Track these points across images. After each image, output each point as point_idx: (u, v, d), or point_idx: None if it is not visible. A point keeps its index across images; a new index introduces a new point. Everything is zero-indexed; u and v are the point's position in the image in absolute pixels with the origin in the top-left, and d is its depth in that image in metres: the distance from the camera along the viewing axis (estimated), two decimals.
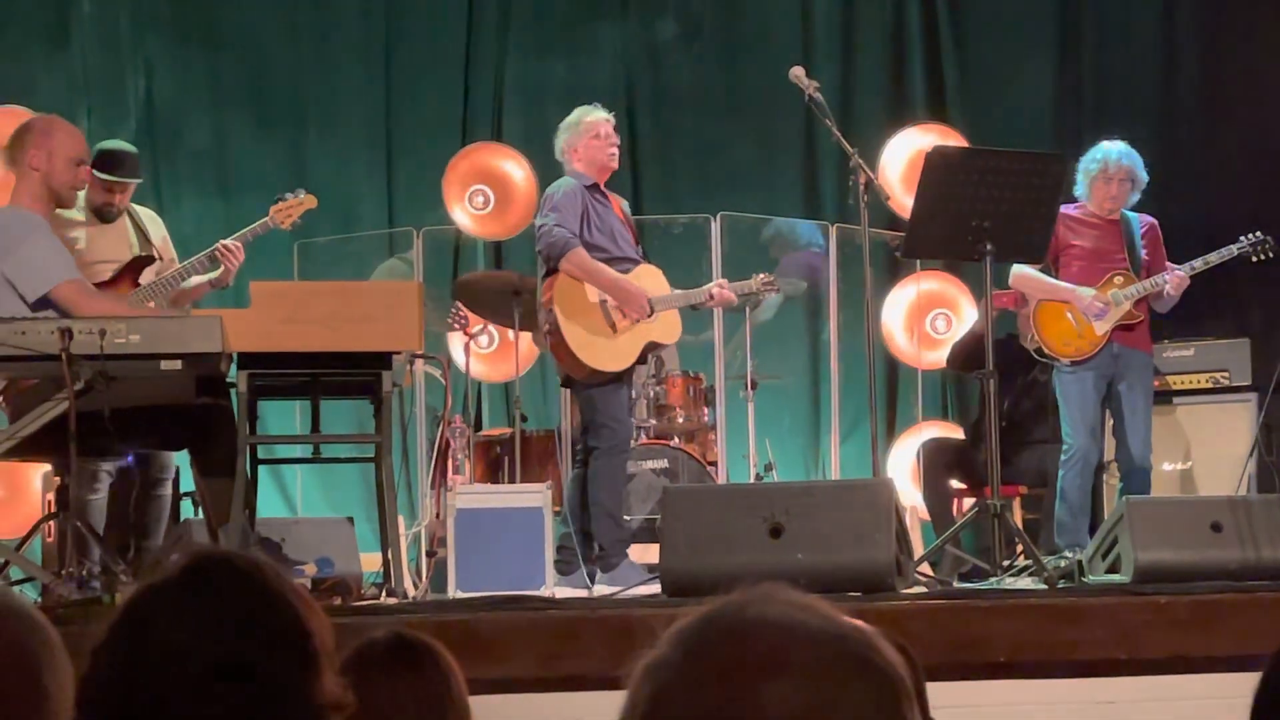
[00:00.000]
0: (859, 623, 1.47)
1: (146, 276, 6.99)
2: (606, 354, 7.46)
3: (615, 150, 7.69)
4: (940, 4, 10.79)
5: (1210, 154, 9.98)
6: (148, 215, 7.36)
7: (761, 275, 8.05)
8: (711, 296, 7.81)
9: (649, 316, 7.49)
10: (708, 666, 1.40)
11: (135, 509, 6.76)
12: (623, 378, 7.48)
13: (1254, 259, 7.86)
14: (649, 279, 7.60)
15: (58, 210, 6.58)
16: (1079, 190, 7.87)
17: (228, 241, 7.05)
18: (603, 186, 7.63)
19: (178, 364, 5.84)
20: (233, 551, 1.96)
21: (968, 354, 8.86)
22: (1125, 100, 10.28)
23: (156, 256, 7.13)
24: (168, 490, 7.00)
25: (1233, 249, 7.86)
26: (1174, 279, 7.71)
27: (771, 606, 1.44)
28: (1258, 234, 7.85)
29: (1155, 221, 7.93)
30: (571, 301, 7.45)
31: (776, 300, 8.74)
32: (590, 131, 7.62)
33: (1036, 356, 7.87)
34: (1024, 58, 10.75)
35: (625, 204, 7.87)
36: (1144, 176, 7.82)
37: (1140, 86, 10.41)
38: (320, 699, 1.88)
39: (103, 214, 7.07)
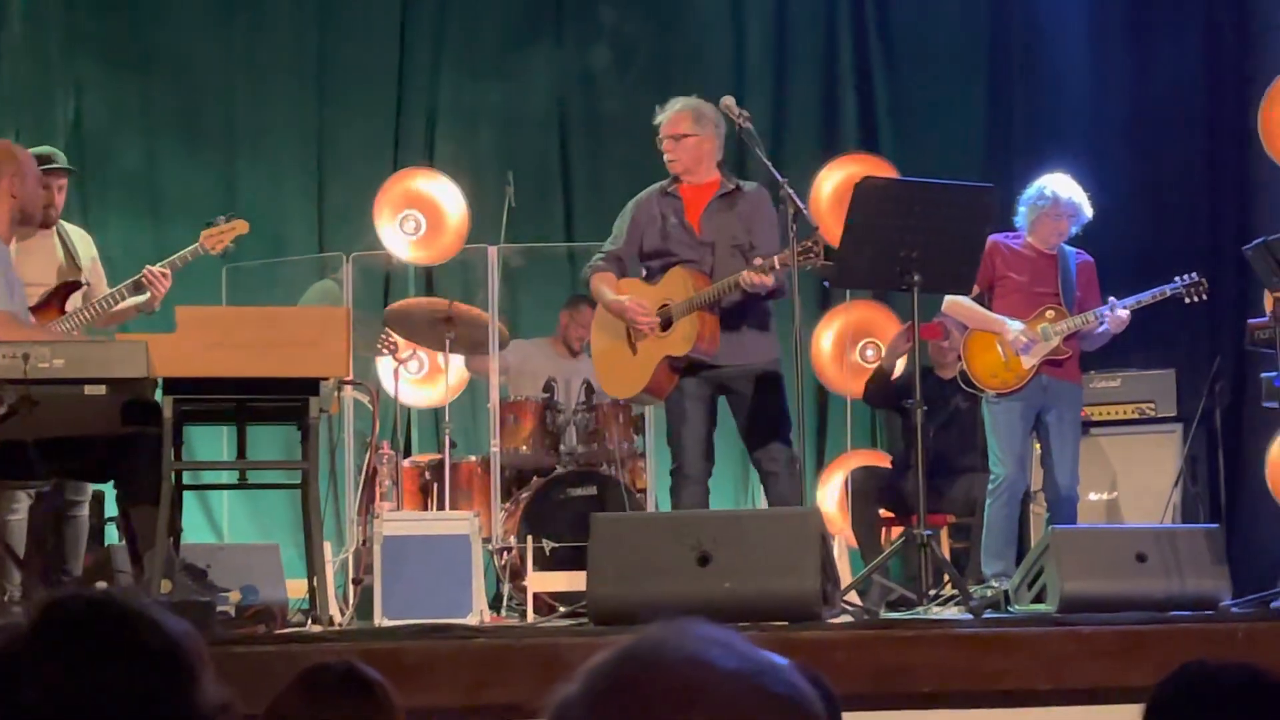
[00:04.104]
0: (774, 657, 1.47)
1: (74, 302, 6.94)
2: (618, 378, 7.37)
3: (668, 157, 7.23)
4: (871, 34, 10.86)
5: (1140, 185, 10.05)
6: (78, 234, 7.32)
7: (807, 241, 6.80)
8: (743, 282, 6.86)
9: (662, 330, 7.13)
10: (620, 703, 1.39)
11: (53, 533, 6.71)
12: (674, 399, 7.17)
13: (1186, 300, 7.87)
14: (673, 284, 7.17)
15: None
16: (1020, 222, 7.89)
17: (155, 268, 7.01)
18: (681, 182, 7.25)
19: (102, 389, 5.79)
20: (80, 589, 1.99)
21: (876, 391, 8.91)
22: (1055, 131, 10.35)
23: (84, 281, 7.08)
24: (84, 512, 6.95)
25: (1166, 289, 7.84)
26: (1114, 319, 7.70)
27: (686, 642, 1.43)
28: (1192, 275, 7.84)
29: (1092, 260, 7.95)
30: (601, 327, 7.41)
31: None
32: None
33: (962, 384, 7.90)
34: (955, 88, 10.82)
35: (724, 188, 7.25)
36: (1089, 213, 7.83)
37: (1070, 118, 10.49)
38: (203, 706, 1.89)
39: (43, 219, 7.02)
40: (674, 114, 7.26)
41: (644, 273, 7.37)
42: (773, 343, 7.24)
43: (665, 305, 7.16)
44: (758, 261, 6.89)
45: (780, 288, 7.02)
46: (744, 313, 7.15)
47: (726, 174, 7.35)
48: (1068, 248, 7.90)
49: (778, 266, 6.87)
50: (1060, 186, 7.81)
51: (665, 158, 7.28)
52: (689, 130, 7.22)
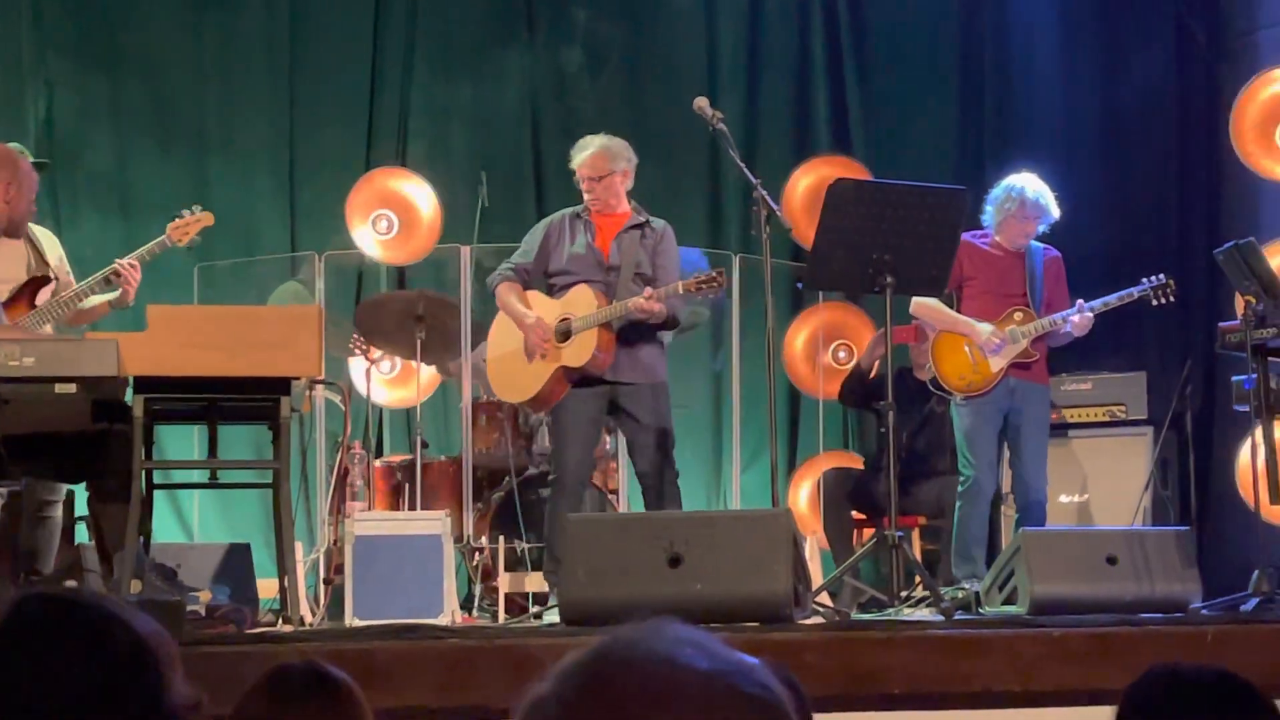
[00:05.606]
0: (746, 657, 1.46)
1: (43, 297, 6.91)
2: (511, 383, 7.50)
3: (589, 196, 7.49)
4: (844, 37, 10.87)
5: (1111, 189, 10.08)
6: (44, 234, 7.28)
7: (696, 274, 7.22)
8: (633, 307, 7.14)
9: (563, 341, 7.28)
10: (593, 702, 1.39)
11: (26, 532, 6.67)
12: (561, 406, 7.36)
13: (1154, 302, 7.86)
14: (576, 299, 7.36)
15: None
16: (987, 221, 7.89)
17: (124, 261, 6.98)
18: (592, 212, 7.51)
19: (72, 387, 5.77)
20: (50, 588, 2.00)
21: (853, 390, 8.92)
22: (1026, 133, 10.37)
23: (52, 276, 7.05)
24: (58, 513, 6.91)
25: (1134, 292, 7.81)
26: (1078, 321, 7.71)
27: (659, 642, 1.43)
28: (1159, 276, 7.82)
29: (1059, 256, 7.95)
30: (502, 333, 7.53)
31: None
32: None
33: (931, 388, 7.90)
34: (927, 90, 10.84)
35: (635, 219, 7.50)
36: (1056, 213, 7.83)
37: (1041, 119, 10.51)
38: (172, 703, 1.89)
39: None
40: (591, 156, 7.49)
41: (548, 289, 7.52)
42: (664, 361, 7.49)
43: (566, 319, 7.34)
44: (648, 291, 7.14)
45: (673, 317, 7.33)
46: (640, 332, 7.35)
47: (636, 206, 7.58)
48: (1035, 244, 7.90)
49: (682, 291, 7.15)
50: (1028, 186, 7.81)
51: (586, 197, 7.51)
52: (608, 169, 7.47)
